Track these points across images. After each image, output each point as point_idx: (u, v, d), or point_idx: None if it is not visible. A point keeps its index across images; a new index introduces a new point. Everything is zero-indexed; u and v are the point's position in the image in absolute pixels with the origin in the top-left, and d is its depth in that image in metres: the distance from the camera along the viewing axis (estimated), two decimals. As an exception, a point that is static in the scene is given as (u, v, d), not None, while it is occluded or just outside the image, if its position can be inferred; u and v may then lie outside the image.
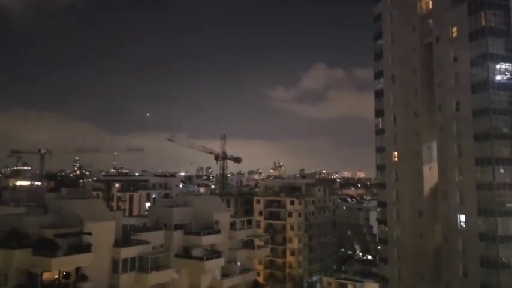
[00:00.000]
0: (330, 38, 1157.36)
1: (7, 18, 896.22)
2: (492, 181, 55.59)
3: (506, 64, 57.70)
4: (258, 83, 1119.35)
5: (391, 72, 74.37)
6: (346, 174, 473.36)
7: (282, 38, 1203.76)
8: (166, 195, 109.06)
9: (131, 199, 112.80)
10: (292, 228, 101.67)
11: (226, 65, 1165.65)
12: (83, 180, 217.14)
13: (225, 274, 49.89)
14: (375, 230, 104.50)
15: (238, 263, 52.76)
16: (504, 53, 57.60)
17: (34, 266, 33.19)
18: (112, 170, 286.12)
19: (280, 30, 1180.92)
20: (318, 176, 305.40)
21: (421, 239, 67.60)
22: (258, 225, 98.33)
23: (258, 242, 56.32)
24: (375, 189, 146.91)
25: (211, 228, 48.42)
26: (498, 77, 57.56)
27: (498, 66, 57.66)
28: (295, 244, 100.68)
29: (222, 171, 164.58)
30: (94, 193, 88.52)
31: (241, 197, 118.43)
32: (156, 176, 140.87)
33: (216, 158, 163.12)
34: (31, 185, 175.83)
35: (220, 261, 47.11)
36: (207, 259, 45.13)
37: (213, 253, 46.85)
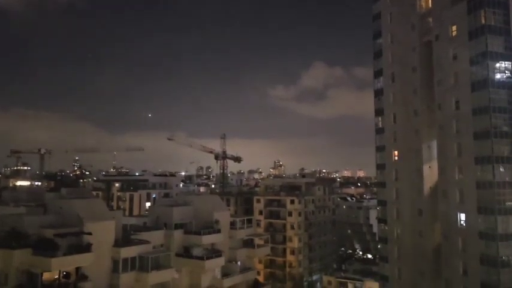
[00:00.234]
0: (329, 37, 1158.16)
1: (6, 18, 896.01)
2: (492, 179, 55.66)
3: (506, 62, 57.77)
4: (258, 82, 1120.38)
5: (390, 71, 74.38)
6: (346, 173, 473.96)
7: (281, 37, 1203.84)
8: (166, 195, 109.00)
9: (131, 199, 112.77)
10: (292, 227, 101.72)
11: (226, 64, 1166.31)
12: (83, 180, 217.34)
13: (225, 273, 49.87)
14: (375, 229, 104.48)
15: (239, 262, 52.73)
16: (503, 51, 57.68)
17: (34, 266, 33.15)
18: (112, 169, 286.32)
19: (279, 29, 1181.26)
20: (318, 175, 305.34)
21: (421, 237, 67.66)
22: (258, 225, 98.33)
23: (258, 241, 56.29)
24: (375, 188, 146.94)
25: (211, 227, 48.38)
26: (498, 76, 57.62)
27: (498, 65, 57.71)
28: (295, 243, 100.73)
29: (222, 171, 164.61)
30: (94, 193, 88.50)
31: (241, 196, 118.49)
32: (156, 175, 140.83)
33: (216, 158, 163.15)
34: (31, 185, 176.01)
35: (220, 261, 47.08)
36: (207, 258, 45.08)
37: (213, 252, 46.82)
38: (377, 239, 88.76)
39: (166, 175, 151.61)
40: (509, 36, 57.96)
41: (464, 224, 59.46)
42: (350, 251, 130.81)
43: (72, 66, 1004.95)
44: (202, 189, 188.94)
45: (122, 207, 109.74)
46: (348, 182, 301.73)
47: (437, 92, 65.20)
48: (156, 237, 43.53)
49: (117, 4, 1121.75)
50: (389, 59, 74.80)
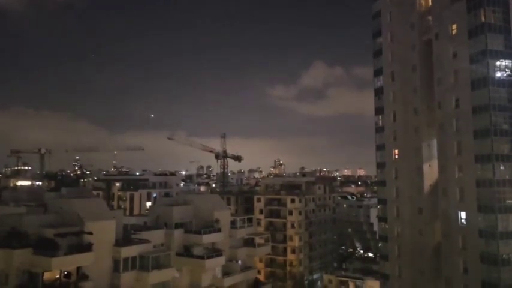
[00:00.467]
0: (329, 36, 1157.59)
1: (6, 17, 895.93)
2: (492, 178, 55.72)
3: (506, 61, 57.80)
4: (258, 81, 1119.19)
5: (390, 69, 74.37)
6: (346, 172, 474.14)
7: (281, 37, 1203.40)
8: (167, 194, 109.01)
9: (131, 198, 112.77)
10: (292, 226, 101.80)
11: (226, 63, 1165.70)
12: (83, 179, 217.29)
13: (226, 272, 49.92)
14: (375, 228, 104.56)
15: (239, 262, 52.80)
16: (503, 49, 57.71)
17: (35, 265, 33.18)
18: (112, 169, 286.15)
19: (279, 29, 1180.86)
20: (318, 174, 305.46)
21: (422, 236, 67.70)
22: (258, 224, 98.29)
23: (258, 240, 56.31)
24: (375, 187, 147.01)
25: (211, 226, 48.41)
26: (498, 74, 57.65)
27: (498, 63, 57.73)
28: (295, 242, 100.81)
29: (222, 170, 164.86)
30: (94, 192, 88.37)
31: (241, 195, 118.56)
32: (156, 175, 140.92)
33: (217, 157, 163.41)
34: (31, 184, 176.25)
35: (221, 260, 47.11)
36: (208, 258, 45.12)
37: (214, 251, 46.86)
38: (377, 237, 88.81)
39: (166, 174, 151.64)
40: (509, 35, 57.98)
41: (464, 222, 59.49)
42: (350, 250, 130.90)
43: (72, 65, 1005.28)
44: (202, 188, 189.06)
45: (122, 206, 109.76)
46: (348, 180, 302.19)
47: (437, 91, 65.19)
48: (156, 236, 43.58)
49: (116, 3, 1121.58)
50: (389, 58, 74.78)
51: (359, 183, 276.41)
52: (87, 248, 35.27)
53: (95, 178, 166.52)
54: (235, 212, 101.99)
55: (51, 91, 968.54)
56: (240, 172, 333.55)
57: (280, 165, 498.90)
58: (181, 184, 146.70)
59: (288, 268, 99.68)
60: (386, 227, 75.01)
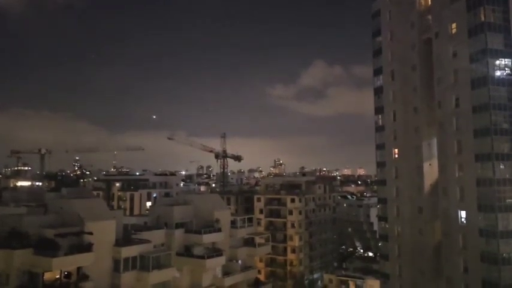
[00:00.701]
0: (328, 36, 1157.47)
1: (6, 17, 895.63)
2: (492, 177, 55.72)
3: (506, 60, 57.77)
4: (258, 81, 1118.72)
5: (390, 69, 74.37)
6: (346, 171, 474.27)
7: (281, 36, 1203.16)
8: (167, 194, 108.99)
9: (132, 198, 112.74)
10: (292, 226, 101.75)
11: (226, 63, 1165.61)
12: (83, 179, 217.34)
13: (226, 272, 49.95)
14: (376, 227, 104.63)
15: (239, 261, 52.84)
16: (503, 48, 57.71)
17: (35, 266, 33.19)
18: (112, 169, 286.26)
19: (279, 28, 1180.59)
20: (318, 173, 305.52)
21: (422, 235, 67.71)
22: (258, 223, 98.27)
23: (258, 240, 56.36)
24: (375, 186, 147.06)
25: (211, 226, 48.44)
26: (497, 73, 57.64)
27: (497, 62, 57.73)
28: (295, 242, 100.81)
29: (222, 170, 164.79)
30: (94, 193, 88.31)
31: (241, 195, 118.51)
32: (156, 175, 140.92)
33: (217, 157, 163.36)
34: (31, 185, 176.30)
35: (221, 260, 47.14)
36: (208, 257, 45.17)
37: (214, 251, 46.89)
38: (377, 237, 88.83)
39: (166, 174, 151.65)
40: (509, 34, 57.97)
41: (464, 222, 59.50)
42: (351, 249, 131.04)
43: (72, 65, 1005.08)
44: (202, 188, 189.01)
45: (122, 206, 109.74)
46: (348, 180, 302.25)
47: (437, 90, 65.19)
48: (156, 236, 43.59)
49: (116, 3, 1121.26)
50: (389, 57, 74.77)
51: (359, 182, 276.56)
52: (88, 248, 35.28)
53: (95, 178, 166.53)
54: (235, 211, 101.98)
55: (51, 91, 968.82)
56: (240, 172, 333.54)
57: (280, 164, 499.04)
58: (182, 184, 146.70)
59: (288, 268, 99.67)
60: (387, 226, 75.02)
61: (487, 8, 57.63)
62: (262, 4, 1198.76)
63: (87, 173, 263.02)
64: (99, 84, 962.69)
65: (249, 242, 55.31)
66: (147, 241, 41.11)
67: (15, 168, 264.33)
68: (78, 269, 35.48)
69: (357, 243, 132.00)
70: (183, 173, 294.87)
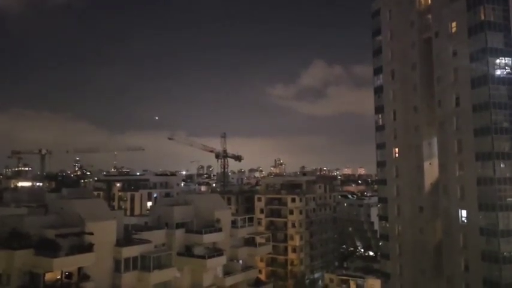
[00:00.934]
0: (328, 35, 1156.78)
1: (6, 18, 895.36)
2: (493, 176, 55.70)
3: (506, 58, 57.71)
4: (258, 81, 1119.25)
5: (390, 68, 74.31)
6: (347, 171, 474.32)
7: (281, 36, 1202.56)
8: (167, 194, 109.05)
9: (132, 198, 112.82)
10: (293, 225, 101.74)
11: (226, 63, 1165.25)
12: (83, 180, 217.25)
13: (227, 272, 49.94)
14: (376, 226, 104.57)
15: (240, 261, 52.83)
16: (503, 47, 57.66)
17: (36, 266, 33.23)
18: (113, 169, 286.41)
19: (279, 28, 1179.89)
20: (318, 173, 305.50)
21: (422, 234, 67.70)
22: (259, 223, 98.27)
23: (259, 239, 56.35)
24: (375, 186, 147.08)
25: (212, 226, 48.44)
26: (498, 72, 57.61)
27: (497, 61, 57.70)
28: (296, 241, 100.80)
29: (222, 170, 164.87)
30: (95, 193, 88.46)
31: (242, 195, 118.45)
32: (156, 175, 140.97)
33: (217, 157, 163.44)
34: (32, 185, 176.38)
35: (222, 259, 47.15)
36: (209, 257, 45.16)
37: (215, 251, 46.88)
38: (378, 236, 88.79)
39: (167, 174, 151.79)
40: (509, 32, 57.90)
41: (465, 221, 59.48)
42: (351, 249, 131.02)
43: (71, 65, 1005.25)
44: (203, 188, 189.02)
45: (123, 207, 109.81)
46: (348, 179, 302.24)
47: (437, 89, 65.15)
48: (157, 236, 43.58)
49: (116, 3, 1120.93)
50: (389, 57, 74.72)
51: (359, 182, 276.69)
52: (88, 248, 35.30)
53: (96, 179, 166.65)
54: (235, 211, 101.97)
55: (51, 91, 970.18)
56: (241, 172, 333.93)
57: (281, 164, 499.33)
58: (182, 184, 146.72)
59: (289, 267, 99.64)
60: (387, 225, 75.00)
61: (487, 7, 57.58)
62: (262, 4, 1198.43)
63: (88, 173, 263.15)
64: (99, 84, 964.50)
65: (250, 242, 55.30)
66: (148, 241, 41.10)
67: (16, 169, 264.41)
68: (79, 269, 35.52)
69: (358, 243, 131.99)
70: (184, 173, 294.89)
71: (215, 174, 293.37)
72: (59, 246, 33.58)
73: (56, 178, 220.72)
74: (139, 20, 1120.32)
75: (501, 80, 57.37)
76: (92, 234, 35.87)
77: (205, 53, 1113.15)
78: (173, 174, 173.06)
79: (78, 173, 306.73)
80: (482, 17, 57.65)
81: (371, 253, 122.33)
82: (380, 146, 76.92)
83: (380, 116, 76.71)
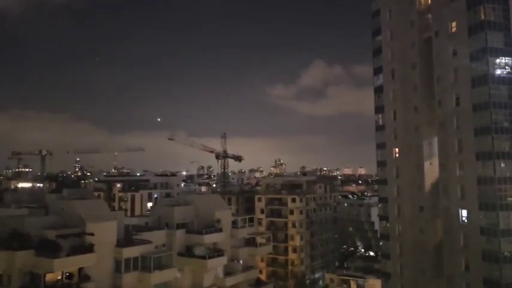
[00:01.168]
0: (328, 35, 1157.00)
1: (6, 18, 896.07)
2: (493, 175, 55.71)
3: (506, 58, 57.73)
4: (258, 81, 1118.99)
5: (390, 68, 74.34)
6: (347, 171, 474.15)
7: (281, 36, 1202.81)
8: (168, 195, 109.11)
9: (133, 199, 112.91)
10: (293, 225, 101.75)
11: (226, 63, 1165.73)
12: (84, 180, 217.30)
13: (228, 272, 49.95)
14: (377, 226, 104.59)
15: (241, 261, 52.83)
16: (503, 46, 57.68)
17: (37, 267, 33.27)
18: (113, 170, 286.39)
19: (278, 28, 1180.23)
20: (318, 173, 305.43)
21: (423, 234, 67.71)
22: (259, 223, 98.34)
23: (260, 239, 56.36)
24: (376, 186, 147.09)
25: (213, 226, 48.44)
26: (498, 71, 57.63)
27: (498, 60, 57.71)
28: (297, 241, 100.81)
29: (223, 170, 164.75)
30: (95, 193, 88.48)
31: (242, 195, 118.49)
32: (157, 175, 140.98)
33: (217, 157, 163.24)
34: (33, 186, 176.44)
35: (222, 260, 47.15)
36: (210, 258, 45.17)
37: (215, 251, 46.88)
38: (379, 236, 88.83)
39: (167, 175, 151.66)
40: (509, 32, 57.92)
41: (465, 220, 59.48)
42: (352, 249, 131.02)
43: (71, 65, 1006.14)
44: (203, 188, 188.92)
45: (123, 207, 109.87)
46: (349, 179, 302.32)
47: (437, 89, 65.16)
48: (158, 237, 43.57)
49: (116, 3, 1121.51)
50: (389, 56, 74.76)
51: (360, 182, 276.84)
52: (89, 249, 35.33)
53: (96, 179, 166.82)
54: (236, 211, 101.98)
55: (52, 92, 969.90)
56: (241, 172, 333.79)
57: (281, 164, 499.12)
58: (182, 184, 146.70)
59: (290, 267, 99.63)
60: (388, 225, 75.01)
61: (487, 7, 57.58)
62: (262, 4, 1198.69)
63: (88, 174, 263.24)
64: (99, 85, 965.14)
65: (250, 242, 55.30)
66: (149, 242, 41.11)
67: (16, 170, 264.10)
68: (80, 269, 35.55)
69: (358, 243, 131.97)
70: (184, 173, 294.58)
71: (215, 174, 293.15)
72: (59, 247, 33.62)
73: (56, 179, 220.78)
74: (139, 20, 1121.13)
75: (501, 79, 57.38)
76: (92, 234, 35.89)
77: (205, 53, 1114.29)
78: (173, 174, 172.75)
79: (79, 173, 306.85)
80: (482, 17, 57.66)
81: (371, 253, 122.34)
82: (380, 146, 76.94)
83: (380, 115, 76.73)
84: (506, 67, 57.81)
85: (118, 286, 37.91)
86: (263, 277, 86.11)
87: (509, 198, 55.72)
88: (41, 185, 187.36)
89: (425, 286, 67.22)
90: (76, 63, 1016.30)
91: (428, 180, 67.56)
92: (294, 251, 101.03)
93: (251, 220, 57.41)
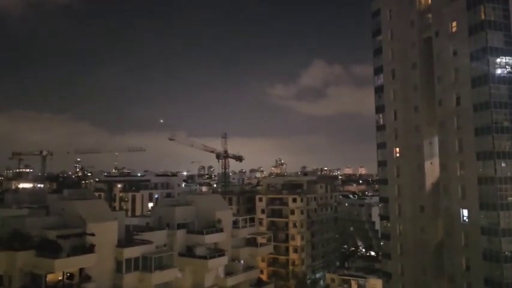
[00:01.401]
0: (328, 35, 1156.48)
1: (6, 18, 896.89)
2: (494, 175, 55.69)
3: (506, 58, 57.68)
4: (258, 81, 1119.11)
5: (390, 67, 74.35)
6: (348, 170, 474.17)
7: (281, 36, 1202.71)
8: (169, 195, 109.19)
9: (133, 199, 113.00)
10: (294, 225, 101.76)
11: (226, 63, 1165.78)
12: (84, 181, 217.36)
13: (229, 272, 49.92)
14: (377, 226, 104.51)
15: (242, 261, 52.78)
16: (504, 46, 57.65)
17: (38, 267, 33.28)
18: (114, 170, 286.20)
19: (278, 28, 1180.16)
20: (319, 173, 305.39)
21: (424, 233, 67.72)
22: (260, 223, 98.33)
23: (260, 239, 56.31)
24: (376, 185, 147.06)
25: (213, 226, 48.44)
26: (498, 71, 57.59)
27: (498, 60, 57.67)
28: (297, 241, 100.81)
29: (223, 170, 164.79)
30: (96, 194, 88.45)
31: (243, 195, 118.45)
32: (157, 175, 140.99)
33: (218, 157, 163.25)
34: (33, 187, 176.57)
35: (223, 260, 47.15)
36: (211, 258, 45.16)
37: (216, 252, 46.88)
38: (379, 235, 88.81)
39: (168, 175, 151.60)
40: (509, 31, 57.88)
41: (466, 220, 59.46)
42: (353, 249, 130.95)
43: (72, 66, 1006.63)
44: (204, 188, 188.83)
45: (124, 207, 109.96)
46: (349, 179, 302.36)
47: (437, 89, 65.15)
48: (158, 237, 43.57)
49: (116, 3, 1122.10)
50: (389, 56, 74.77)
51: (360, 181, 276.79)
52: (90, 249, 35.35)
53: (97, 179, 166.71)
54: (237, 212, 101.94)
55: (52, 92, 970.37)
56: (242, 172, 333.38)
57: (282, 164, 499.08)
58: (183, 184, 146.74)
59: (291, 267, 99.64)
60: (388, 225, 75.00)
61: (487, 6, 57.56)
62: (262, 4, 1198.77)
63: (89, 174, 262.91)
64: (99, 85, 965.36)
65: (251, 242, 55.26)
66: (149, 242, 41.11)
67: (17, 170, 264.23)
68: (81, 270, 35.54)
69: (359, 243, 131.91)
70: (185, 173, 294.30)
71: (216, 174, 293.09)
72: (60, 247, 33.64)
73: (57, 179, 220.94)
74: (139, 20, 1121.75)
75: (502, 79, 57.36)
76: (93, 235, 35.91)
77: (205, 53, 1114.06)
78: (174, 174, 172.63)
79: (79, 174, 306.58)
80: (483, 16, 57.63)
81: (372, 253, 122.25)
82: (381, 146, 76.95)
83: (381, 115, 76.74)
84: (507, 67, 57.77)
85: (119, 286, 37.91)
86: (264, 277, 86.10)
87: (509, 198, 55.68)
88: (42, 185, 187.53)
89: (426, 286, 67.21)
90: (76, 63, 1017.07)
91: (429, 180, 67.55)
92: (295, 251, 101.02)
93: (252, 220, 57.35)
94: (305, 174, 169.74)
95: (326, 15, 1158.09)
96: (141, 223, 50.10)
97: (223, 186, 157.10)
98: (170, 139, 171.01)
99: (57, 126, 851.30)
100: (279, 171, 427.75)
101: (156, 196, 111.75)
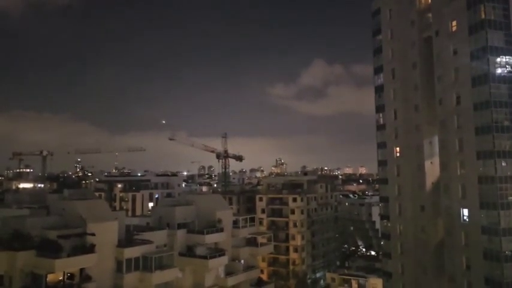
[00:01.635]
0: (328, 35, 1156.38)
1: (6, 18, 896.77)
2: (494, 174, 55.69)
3: (506, 57, 57.66)
4: (258, 81, 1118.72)
5: (390, 67, 74.33)
6: (348, 170, 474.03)
7: (281, 36, 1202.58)
8: (169, 195, 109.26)
9: (134, 199, 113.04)
10: (294, 225, 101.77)
11: (226, 63, 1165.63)
12: (85, 181, 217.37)
13: (229, 272, 49.91)
14: (378, 226, 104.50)
15: (242, 261, 52.79)
16: (504, 45, 57.63)
17: (38, 267, 33.29)
18: (114, 170, 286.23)
19: (279, 28, 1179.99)
20: (319, 172, 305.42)
21: (424, 233, 67.73)
22: (260, 223, 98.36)
23: (261, 239, 56.30)
24: (376, 185, 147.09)
25: (214, 226, 48.44)
26: (498, 70, 57.58)
27: (498, 59, 57.65)
28: (298, 241, 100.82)
29: (223, 170, 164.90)
30: (96, 194, 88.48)
31: (243, 195, 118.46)
32: (158, 175, 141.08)
33: (218, 157, 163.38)
34: (34, 187, 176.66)
35: (223, 260, 47.15)
36: (211, 257, 45.16)
37: (217, 251, 46.87)
38: (380, 235, 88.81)
39: (168, 175, 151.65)
40: (510, 31, 57.85)
41: (466, 219, 59.47)
42: (353, 248, 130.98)
43: (72, 66, 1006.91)
44: (204, 188, 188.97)
45: (124, 207, 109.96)
46: (349, 179, 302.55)
47: (437, 88, 65.12)
48: (159, 237, 43.56)
49: (116, 4, 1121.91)
50: (389, 56, 74.76)
51: (361, 181, 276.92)
52: (90, 249, 35.36)
53: (97, 179, 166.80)
54: (237, 211, 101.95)
55: (52, 93, 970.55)
56: (242, 172, 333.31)
57: (282, 164, 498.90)
58: (183, 184, 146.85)
59: (291, 267, 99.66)
60: (389, 224, 75.01)
61: (487, 5, 57.53)
62: (262, 4, 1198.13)
63: (89, 174, 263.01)
64: (100, 85, 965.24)
65: (251, 242, 55.25)
66: (150, 242, 41.10)
67: (17, 170, 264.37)
68: (81, 270, 35.54)
69: (359, 242, 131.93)
70: (185, 173, 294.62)
71: (216, 174, 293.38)
72: (60, 247, 33.65)
73: (57, 179, 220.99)
74: (139, 20, 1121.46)
75: (502, 78, 57.35)
76: (93, 235, 35.91)
77: (205, 53, 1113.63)
78: (174, 174, 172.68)
79: (80, 174, 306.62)
80: (483, 16, 57.60)
81: (373, 252, 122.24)
82: (381, 145, 76.94)
83: (381, 115, 76.74)
84: (507, 66, 57.75)
85: (119, 286, 37.91)
86: (264, 277, 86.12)
87: (510, 197, 55.69)
88: (42, 185, 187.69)
89: (426, 285, 67.22)
90: (76, 63, 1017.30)
91: (429, 179, 67.55)
92: (295, 250, 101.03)
93: (252, 220, 57.35)
94: (305, 173, 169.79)
95: (326, 15, 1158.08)
96: (142, 223, 50.09)
97: (224, 186, 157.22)
98: (170, 139, 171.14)
99: (57, 126, 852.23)
100: (279, 171, 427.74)
101: (156, 196, 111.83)
